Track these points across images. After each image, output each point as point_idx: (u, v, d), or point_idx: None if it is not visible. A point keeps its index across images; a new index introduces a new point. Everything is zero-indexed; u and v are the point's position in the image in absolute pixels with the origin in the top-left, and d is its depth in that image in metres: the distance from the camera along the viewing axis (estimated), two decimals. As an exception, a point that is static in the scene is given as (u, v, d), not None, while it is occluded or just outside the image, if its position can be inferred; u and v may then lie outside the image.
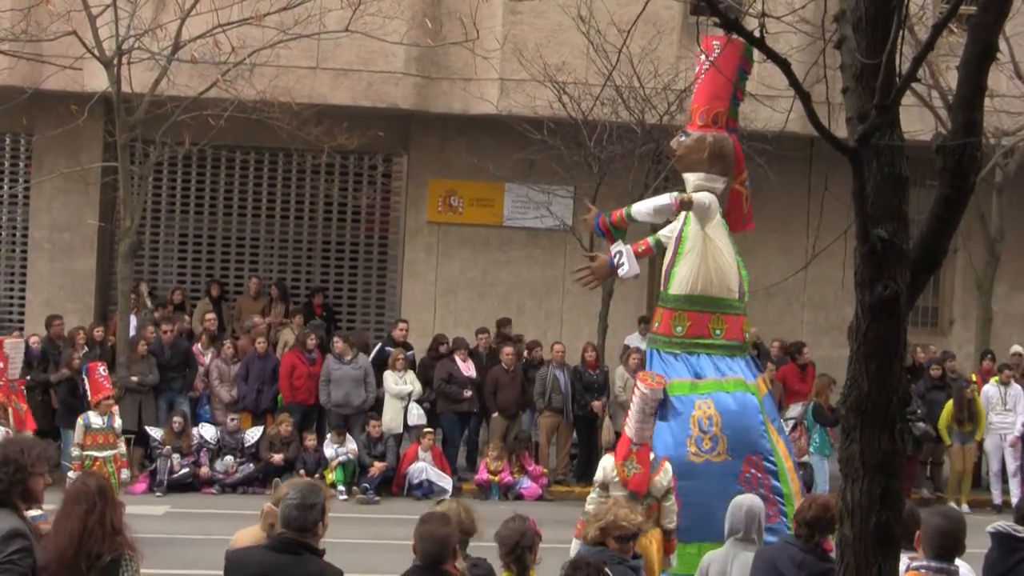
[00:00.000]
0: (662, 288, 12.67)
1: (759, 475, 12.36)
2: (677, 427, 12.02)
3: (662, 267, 12.83)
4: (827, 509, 7.74)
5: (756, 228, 13.25)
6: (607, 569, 6.58)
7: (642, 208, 12.68)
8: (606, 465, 10.80)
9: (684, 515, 11.03)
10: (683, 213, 12.42)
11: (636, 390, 11.01)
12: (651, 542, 10.43)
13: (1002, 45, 11.44)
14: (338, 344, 19.26)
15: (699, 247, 12.27)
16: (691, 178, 12.49)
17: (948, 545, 6.29)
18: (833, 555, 7.55)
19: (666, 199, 12.51)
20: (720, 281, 12.29)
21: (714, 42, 12.36)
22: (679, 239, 12.39)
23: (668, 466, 10.91)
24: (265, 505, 7.09)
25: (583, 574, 6.39)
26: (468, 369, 19.48)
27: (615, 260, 12.82)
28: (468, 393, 19.27)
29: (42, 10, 18.84)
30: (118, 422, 15.42)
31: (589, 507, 10.16)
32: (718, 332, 12.43)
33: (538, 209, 22.09)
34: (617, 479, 10.57)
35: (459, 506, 7.41)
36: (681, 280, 12.29)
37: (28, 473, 6.15)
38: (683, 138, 12.56)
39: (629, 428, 10.90)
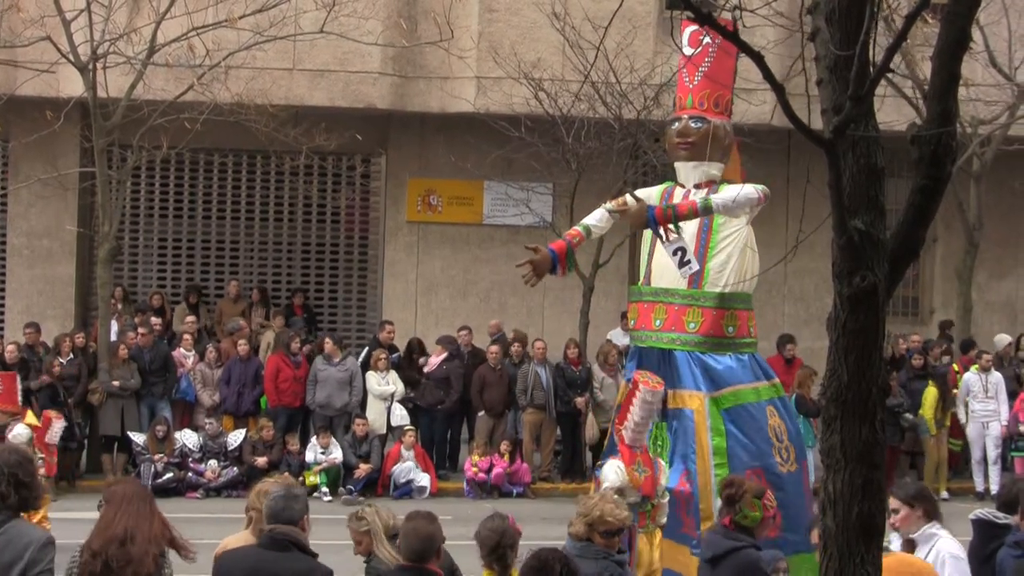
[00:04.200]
0: (691, 285, 11.71)
1: (808, 483, 12.19)
2: (759, 437, 11.44)
3: (647, 261, 12.45)
4: (727, 485, 7.85)
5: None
6: (570, 559, 6.49)
7: (727, 200, 11.38)
8: (618, 469, 10.25)
9: (782, 527, 10.46)
10: None
11: (637, 393, 10.48)
12: (651, 543, 10.33)
13: (977, 35, 11.45)
14: (328, 344, 19.24)
15: (743, 242, 11.65)
16: (701, 167, 11.81)
17: None
18: (736, 533, 7.65)
19: (753, 192, 11.36)
20: (755, 276, 11.83)
21: (691, 28, 11.70)
22: (708, 232, 11.69)
23: (663, 464, 10.77)
24: (248, 505, 7.09)
25: (556, 572, 6.26)
26: (431, 364, 19.50)
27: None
28: (422, 381, 19.39)
29: (15, 16, 18.77)
30: (19, 430, 14.82)
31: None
32: (752, 330, 12.00)
33: (518, 206, 22.10)
34: (630, 483, 10.17)
35: (373, 510, 7.49)
36: (726, 277, 11.58)
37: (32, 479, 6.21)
38: (699, 124, 11.79)
39: (627, 432, 10.42)
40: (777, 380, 12.40)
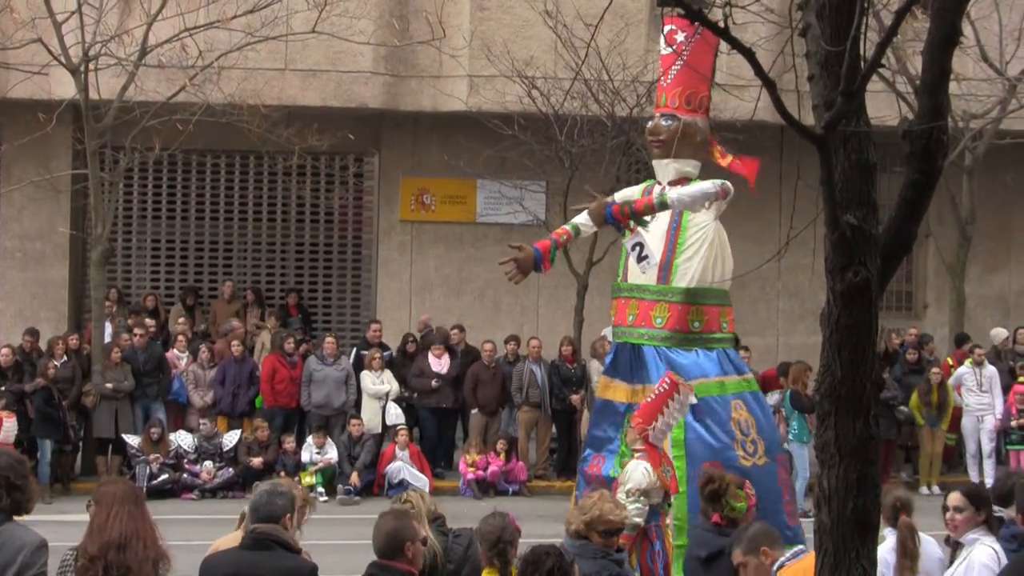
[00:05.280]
0: (659, 281, 11.94)
1: (785, 476, 12.23)
2: (720, 431, 11.52)
3: (625, 259, 12.42)
4: (707, 482, 7.82)
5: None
6: (564, 556, 6.48)
7: (683, 195, 11.55)
8: (645, 470, 10.01)
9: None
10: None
11: (674, 395, 10.28)
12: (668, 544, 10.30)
13: (967, 29, 11.47)
14: (329, 344, 19.22)
15: (710, 238, 11.80)
16: (674, 165, 11.97)
17: None
18: (728, 529, 7.63)
19: (711, 187, 11.52)
20: (727, 273, 11.97)
21: (672, 24, 11.79)
22: (677, 229, 11.87)
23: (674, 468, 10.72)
24: (244, 510, 7.08)
25: (546, 566, 6.25)
26: (440, 365, 19.49)
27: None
28: (435, 384, 19.32)
29: (6, 18, 18.74)
30: None
31: (637, 519, 9.69)
32: (725, 325, 12.14)
33: (511, 205, 22.10)
34: (659, 484, 10.04)
35: (417, 494, 7.47)
36: (692, 273, 11.77)
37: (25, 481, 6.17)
38: (669, 122, 12.00)
39: (655, 432, 10.22)
40: (750, 375, 12.46)
